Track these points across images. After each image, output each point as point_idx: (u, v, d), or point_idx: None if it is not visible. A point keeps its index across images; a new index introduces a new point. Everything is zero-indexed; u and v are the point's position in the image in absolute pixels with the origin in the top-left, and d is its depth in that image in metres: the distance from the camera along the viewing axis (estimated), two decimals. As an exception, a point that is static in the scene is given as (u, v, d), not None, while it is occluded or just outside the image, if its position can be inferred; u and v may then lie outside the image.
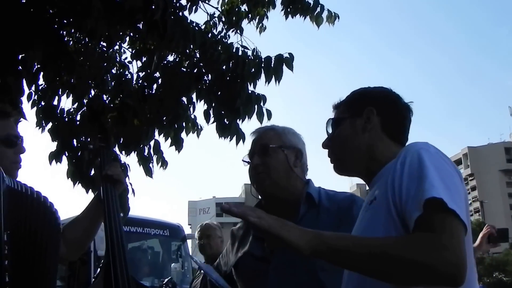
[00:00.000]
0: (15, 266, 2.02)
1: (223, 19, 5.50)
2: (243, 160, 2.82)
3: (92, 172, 4.87)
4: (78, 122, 5.10)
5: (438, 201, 1.59)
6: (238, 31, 5.34)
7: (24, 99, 4.90)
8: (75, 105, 5.14)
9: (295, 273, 2.47)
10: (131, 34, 5.19)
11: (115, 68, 5.68)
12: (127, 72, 5.60)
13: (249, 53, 4.98)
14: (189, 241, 13.54)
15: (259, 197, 2.83)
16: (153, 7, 4.15)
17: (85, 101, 5.20)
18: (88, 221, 2.80)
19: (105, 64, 5.54)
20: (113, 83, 5.49)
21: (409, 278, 1.58)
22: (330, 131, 2.17)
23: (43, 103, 5.11)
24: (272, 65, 4.66)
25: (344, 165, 2.12)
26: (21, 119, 3.84)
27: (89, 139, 4.88)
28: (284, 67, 4.65)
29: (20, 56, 4.46)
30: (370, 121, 2.04)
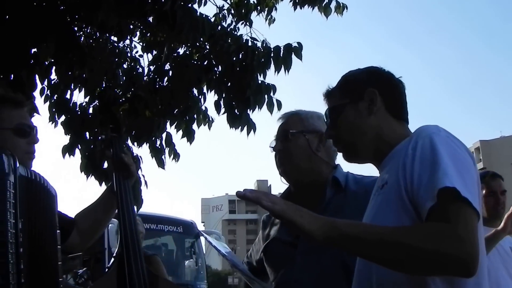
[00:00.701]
0: (29, 253, 2.04)
1: (232, 12, 5.53)
2: (270, 146, 2.81)
3: (105, 164, 4.94)
4: (90, 115, 5.16)
5: (452, 190, 1.57)
6: (247, 23, 5.36)
7: (37, 94, 4.97)
8: (87, 99, 5.20)
9: (321, 257, 2.47)
10: (142, 27, 5.24)
11: (126, 63, 5.73)
12: (138, 66, 5.66)
13: (259, 44, 5.01)
14: (202, 238, 13.57)
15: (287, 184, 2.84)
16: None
17: (97, 94, 5.26)
18: (100, 210, 2.81)
19: (116, 59, 5.60)
20: (124, 77, 5.55)
21: (422, 268, 1.58)
22: (329, 120, 2.13)
23: (55, 97, 5.16)
24: (281, 55, 4.68)
25: (354, 152, 2.06)
26: (34, 113, 3.90)
27: (101, 130, 4.93)
28: (293, 57, 4.68)
29: (33, 50, 4.53)
30: (374, 103, 1.98)
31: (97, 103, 5.14)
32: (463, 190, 1.58)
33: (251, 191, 1.71)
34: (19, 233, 1.62)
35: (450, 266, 1.52)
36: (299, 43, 4.66)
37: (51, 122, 5.23)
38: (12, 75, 4.26)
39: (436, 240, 1.52)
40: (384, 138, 1.96)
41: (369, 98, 1.99)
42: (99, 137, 4.97)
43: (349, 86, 2.09)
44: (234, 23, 5.43)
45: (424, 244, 1.53)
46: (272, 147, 2.79)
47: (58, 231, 1.70)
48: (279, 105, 4.94)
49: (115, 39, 5.47)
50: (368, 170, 2.30)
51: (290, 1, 5.40)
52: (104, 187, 4.96)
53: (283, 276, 2.62)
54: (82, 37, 5.24)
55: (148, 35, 5.36)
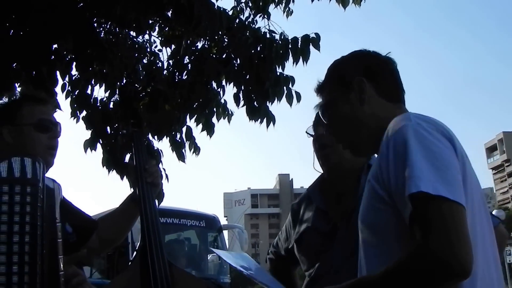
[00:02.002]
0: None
1: (250, 5, 5.54)
2: (306, 132, 2.80)
3: (127, 158, 4.98)
4: (111, 110, 5.20)
5: (420, 194, 1.53)
6: (265, 16, 5.37)
7: (58, 90, 5.03)
8: (108, 93, 5.24)
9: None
10: (160, 21, 5.27)
11: (145, 58, 5.77)
12: (157, 61, 5.70)
13: (277, 37, 5.02)
14: (225, 232, 13.61)
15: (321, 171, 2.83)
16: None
17: (117, 90, 5.30)
18: (122, 219, 2.84)
19: (136, 54, 5.64)
20: (144, 72, 5.58)
21: None
22: (325, 117, 2.07)
23: (76, 93, 5.21)
24: (299, 46, 4.69)
25: (358, 145, 2.00)
26: (57, 108, 3.94)
27: (122, 125, 4.97)
28: (311, 48, 4.68)
29: (53, 46, 4.57)
30: (364, 91, 1.92)
31: (118, 98, 5.17)
32: (435, 187, 1.53)
33: None
34: (44, 236, 1.67)
35: (443, 282, 1.50)
36: (316, 34, 4.66)
37: (72, 117, 5.28)
38: (34, 72, 4.31)
39: (418, 272, 1.51)
40: (382, 124, 1.82)
41: (358, 87, 1.93)
42: (120, 132, 5.01)
43: (335, 78, 2.03)
44: (252, 16, 5.44)
45: (412, 278, 1.52)
46: (310, 133, 2.77)
47: (58, 223, 1.74)
48: (298, 97, 4.95)
49: (134, 34, 5.51)
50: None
51: (308, -8, 5.39)
52: (126, 181, 5.01)
53: (321, 267, 2.61)
54: (102, 33, 5.28)
55: (167, 29, 5.38)
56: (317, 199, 2.77)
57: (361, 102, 1.92)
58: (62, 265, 1.78)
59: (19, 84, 4.53)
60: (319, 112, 2.12)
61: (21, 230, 1.59)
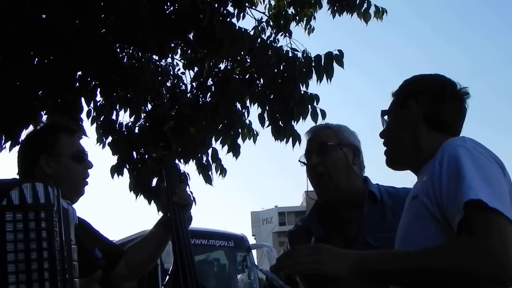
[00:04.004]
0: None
1: (271, 24, 5.54)
2: (299, 161, 2.76)
3: (154, 182, 4.97)
4: (136, 135, 5.21)
5: (478, 202, 1.56)
6: (287, 34, 5.36)
7: (83, 116, 5.05)
8: (132, 118, 5.25)
9: None
10: (182, 44, 5.28)
11: (169, 81, 5.79)
12: (181, 84, 5.71)
13: (299, 55, 5.01)
14: (254, 252, 13.55)
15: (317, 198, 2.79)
16: (201, 15, 4.22)
17: (142, 115, 5.32)
18: (152, 245, 2.79)
19: (159, 77, 5.65)
20: (168, 95, 5.59)
21: (455, 286, 1.58)
22: (382, 121, 2.17)
23: (101, 119, 5.23)
24: (323, 64, 4.67)
25: (392, 158, 2.11)
26: (83, 136, 3.95)
27: (151, 149, 4.97)
28: (335, 65, 4.65)
29: (77, 74, 4.61)
30: (411, 113, 2.00)
31: (143, 122, 5.19)
32: (491, 200, 1.56)
33: (275, 266, 1.83)
34: (65, 261, 1.65)
35: (481, 280, 1.52)
36: (339, 51, 4.64)
37: (98, 143, 5.30)
38: (59, 99, 4.34)
39: (465, 258, 1.52)
40: (420, 148, 1.97)
41: (409, 108, 2.01)
42: (149, 156, 5.01)
43: (398, 93, 2.13)
44: (273, 35, 5.45)
45: (453, 265, 1.54)
46: (303, 162, 2.73)
47: (74, 245, 1.72)
48: (324, 115, 4.93)
49: (157, 58, 5.54)
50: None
51: (329, 9, 5.39)
52: (153, 206, 5.00)
53: None
54: (125, 58, 5.31)
55: (189, 52, 5.39)
56: (316, 228, 2.70)
57: (405, 122, 2.02)
58: None
59: (44, 112, 4.56)
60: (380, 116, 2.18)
61: (39, 257, 1.56)
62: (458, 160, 1.70)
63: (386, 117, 2.15)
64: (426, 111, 2.00)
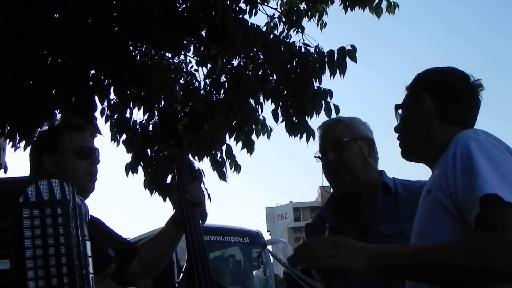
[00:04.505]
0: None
1: (284, 20, 5.53)
2: (315, 156, 2.77)
3: (168, 180, 4.99)
4: (150, 132, 5.23)
5: (494, 197, 1.55)
6: (299, 30, 5.36)
7: (97, 114, 5.07)
8: (146, 116, 5.27)
9: None
10: (195, 42, 5.29)
11: (182, 78, 5.80)
12: (194, 81, 5.73)
13: (312, 50, 5.01)
14: (269, 247, 13.57)
15: (332, 191, 2.80)
16: (213, 12, 4.23)
17: (156, 112, 5.33)
18: (165, 242, 2.81)
19: (172, 75, 5.67)
20: (181, 92, 5.61)
21: (474, 281, 1.57)
22: (396, 115, 2.19)
23: (115, 117, 5.25)
24: (336, 59, 4.66)
25: (407, 151, 2.13)
26: (96, 133, 3.97)
27: (163, 146, 4.98)
28: (348, 60, 4.64)
29: (91, 72, 4.62)
30: (424, 106, 2.02)
31: (157, 120, 5.20)
32: (506, 195, 1.55)
33: (293, 259, 1.80)
34: (82, 256, 1.66)
35: (504, 276, 1.51)
36: (352, 46, 4.64)
37: (113, 141, 5.32)
38: (73, 98, 4.35)
39: (484, 254, 1.51)
40: (434, 141, 1.98)
41: (422, 101, 2.03)
42: (161, 154, 5.03)
43: (411, 86, 2.15)
44: (286, 31, 5.45)
45: (472, 260, 1.53)
46: (318, 157, 2.75)
47: (87, 240, 1.73)
48: (337, 110, 4.93)
49: (170, 55, 5.55)
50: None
51: (340, 4, 5.38)
52: (168, 203, 5.02)
53: (339, 285, 2.57)
54: (138, 56, 5.32)
55: (202, 49, 5.40)
56: (330, 219, 2.73)
57: (418, 115, 2.04)
58: (93, 284, 1.77)
59: (59, 111, 4.59)
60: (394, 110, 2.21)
61: (56, 252, 1.57)
62: (471, 153, 1.69)
63: (400, 111, 2.16)
64: (439, 104, 2.01)
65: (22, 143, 4.69)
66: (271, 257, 13.29)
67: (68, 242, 1.58)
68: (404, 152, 2.13)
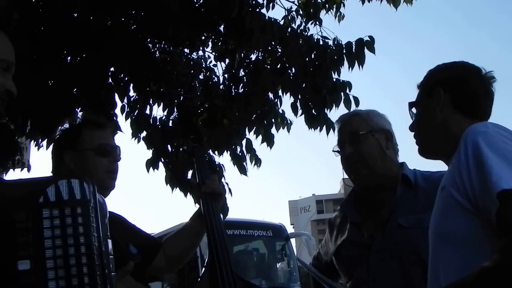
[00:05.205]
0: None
1: (301, 12, 5.51)
2: (333, 151, 2.77)
3: (189, 175, 5.01)
4: (170, 128, 5.25)
5: (511, 192, 1.56)
6: (317, 22, 5.33)
7: (118, 112, 5.10)
8: (166, 112, 5.29)
9: (397, 255, 2.44)
10: (213, 37, 5.30)
11: (201, 74, 5.81)
12: (213, 76, 5.74)
13: (330, 42, 4.99)
14: (292, 240, 13.58)
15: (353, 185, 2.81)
16: (230, 7, 4.23)
17: (175, 108, 5.35)
18: (189, 236, 2.83)
19: (191, 71, 5.68)
20: (200, 88, 5.62)
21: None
22: (410, 113, 2.19)
23: (135, 114, 5.28)
24: (354, 50, 4.64)
25: (425, 148, 2.13)
26: (117, 131, 3.99)
27: (182, 141, 5.00)
28: (366, 51, 4.62)
29: (110, 70, 4.65)
30: (439, 101, 2.02)
31: (176, 115, 5.22)
32: None
33: None
34: (103, 255, 1.67)
35: None
36: (370, 37, 4.61)
37: (133, 138, 5.35)
38: (93, 96, 4.39)
39: None
40: (451, 135, 1.96)
41: (436, 96, 2.03)
42: (181, 149, 5.05)
43: (424, 83, 2.15)
44: (303, 24, 5.42)
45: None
46: (337, 151, 2.75)
47: (109, 239, 1.74)
48: (357, 102, 4.90)
49: (188, 51, 5.56)
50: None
51: (357, -5, 5.34)
52: (190, 198, 5.04)
53: (359, 277, 2.59)
54: (156, 53, 5.34)
55: (220, 44, 5.40)
56: (351, 213, 2.75)
57: (435, 110, 2.03)
58: (115, 283, 1.78)
59: (79, 109, 4.62)
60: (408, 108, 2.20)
61: (77, 252, 1.58)
62: (480, 149, 1.69)
63: (414, 110, 2.16)
64: (455, 97, 2.01)
65: (45, 142, 4.74)
66: (294, 250, 13.32)
67: (88, 242, 1.59)
68: (422, 150, 2.13)
